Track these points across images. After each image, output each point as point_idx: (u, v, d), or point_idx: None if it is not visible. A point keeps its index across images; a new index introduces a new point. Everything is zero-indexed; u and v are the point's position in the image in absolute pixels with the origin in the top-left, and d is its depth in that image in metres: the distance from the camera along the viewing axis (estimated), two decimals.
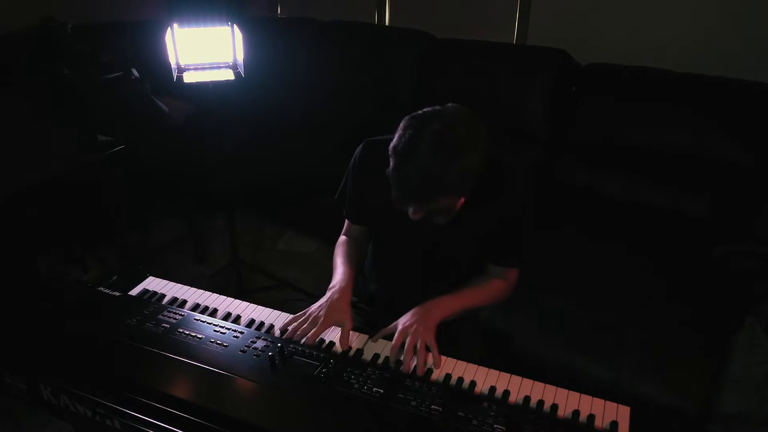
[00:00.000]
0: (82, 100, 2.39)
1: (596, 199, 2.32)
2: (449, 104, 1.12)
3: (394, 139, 1.10)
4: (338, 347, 1.22)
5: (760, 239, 1.96)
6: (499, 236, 1.32)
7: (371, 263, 1.53)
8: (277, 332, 1.26)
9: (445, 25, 3.00)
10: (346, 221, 1.53)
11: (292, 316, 1.30)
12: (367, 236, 1.52)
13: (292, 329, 1.25)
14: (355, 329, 1.28)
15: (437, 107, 1.12)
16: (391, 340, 1.21)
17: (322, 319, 1.25)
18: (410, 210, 1.16)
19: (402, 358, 1.16)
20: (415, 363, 1.15)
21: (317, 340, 1.24)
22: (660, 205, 2.20)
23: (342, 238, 1.53)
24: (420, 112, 1.11)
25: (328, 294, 1.32)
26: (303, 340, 1.22)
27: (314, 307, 1.30)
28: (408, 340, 1.17)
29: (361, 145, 1.38)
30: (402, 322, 1.23)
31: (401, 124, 1.11)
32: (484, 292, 1.37)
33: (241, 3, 3.64)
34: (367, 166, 1.35)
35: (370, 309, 1.51)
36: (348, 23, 3.25)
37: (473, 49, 2.72)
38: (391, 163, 1.10)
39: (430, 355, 1.18)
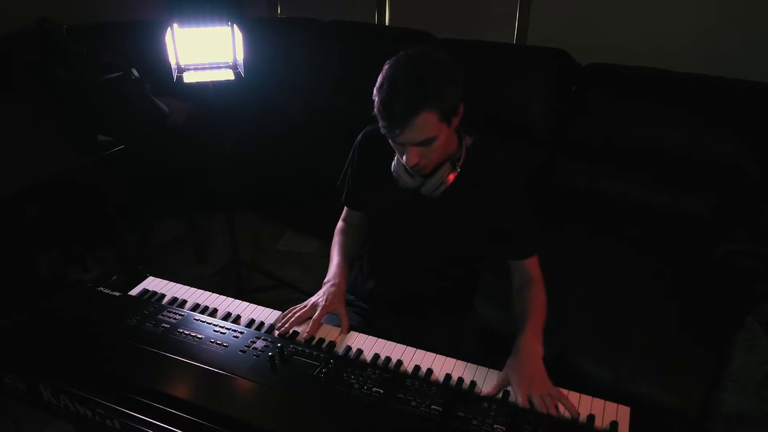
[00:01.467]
0: (80, 100, 2.38)
1: (596, 199, 2.32)
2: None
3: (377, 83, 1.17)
4: (341, 338, 1.25)
5: (761, 239, 1.96)
6: (506, 226, 1.33)
7: (369, 258, 1.54)
8: (276, 332, 1.26)
9: (445, 25, 3.00)
10: (345, 209, 1.56)
11: (272, 310, 1.34)
12: (365, 223, 1.53)
13: (291, 314, 1.28)
14: (354, 328, 1.30)
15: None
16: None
17: (322, 305, 1.30)
18: (403, 147, 1.18)
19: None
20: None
21: (317, 338, 1.24)
22: (660, 205, 2.20)
23: (340, 224, 1.56)
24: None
25: (324, 288, 1.37)
26: (304, 330, 1.25)
27: (312, 298, 1.35)
28: (536, 400, 1.08)
29: (361, 132, 1.44)
30: (515, 379, 1.13)
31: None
32: (540, 303, 1.34)
33: (241, 3, 3.62)
34: (367, 151, 1.42)
35: (368, 307, 1.52)
36: (348, 23, 3.24)
37: (473, 49, 2.71)
38: (376, 101, 1.16)
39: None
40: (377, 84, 1.17)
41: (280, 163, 3.01)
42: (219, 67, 2.09)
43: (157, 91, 2.75)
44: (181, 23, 1.97)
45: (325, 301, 1.32)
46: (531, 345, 1.20)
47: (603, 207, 2.30)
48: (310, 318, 1.29)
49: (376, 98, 1.16)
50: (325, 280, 1.40)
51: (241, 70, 2.11)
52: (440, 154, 1.22)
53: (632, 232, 2.18)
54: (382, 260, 1.51)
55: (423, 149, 1.17)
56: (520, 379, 1.12)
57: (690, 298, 1.83)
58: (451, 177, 1.26)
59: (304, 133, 3.14)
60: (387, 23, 3.48)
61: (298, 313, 1.29)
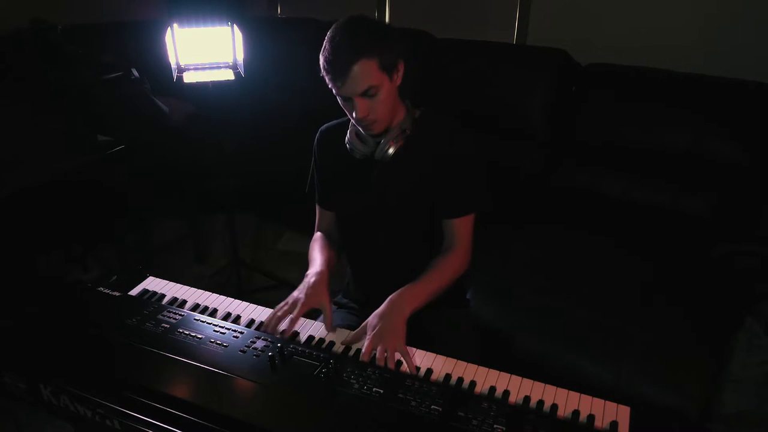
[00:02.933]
0: (77, 101, 2.38)
1: (596, 199, 2.32)
2: None
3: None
4: (332, 337, 1.24)
5: (760, 239, 1.96)
6: (446, 184, 1.35)
7: (347, 258, 1.56)
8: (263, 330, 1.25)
9: (445, 25, 3.00)
10: (318, 215, 1.58)
11: (272, 310, 1.32)
12: (337, 229, 1.55)
13: (272, 314, 1.27)
14: (351, 328, 1.29)
15: None
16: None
17: (302, 300, 1.27)
18: (351, 103, 1.26)
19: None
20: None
21: (317, 338, 1.24)
22: (660, 205, 2.20)
23: (316, 234, 1.56)
24: None
25: (305, 280, 1.35)
26: (283, 327, 1.24)
27: (293, 293, 1.32)
28: (378, 351, 1.15)
29: (317, 132, 1.51)
30: (370, 327, 1.22)
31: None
32: (443, 271, 1.37)
33: (241, 3, 3.63)
34: (324, 145, 1.49)
35: (360, 308, 1.52)
36: None
37: (473, 49, 2.71)
38: (321, 60, 1.24)
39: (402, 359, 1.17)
40: (322, 48, 1.25)
41: (280, 163, 3.00)
42: (219, 67, 2.09)
43: (157, 91, 2.75)
44: (181, 23, 1.97)
45: (305, 296, 1.28)
46: (399, 303, 1.26)
47: (603, 207, 2.30)
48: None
49: (320, 59, 1.24)
50: (307, 272, 1.38)
51: (241, 70, 2.11)
52: (386, 108, 1.29)
53: (632, 232, 2.18)
54: (357, 254, 1.53)
55: (369, 102, 1.25)
56: (373, 330, 1.20)
57: (690, 298, 1.83)
58: (401, 140, 1.33)
59: (304, 133, 3.12)
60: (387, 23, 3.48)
61: (278, 313, 1.26)
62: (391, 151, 1.33)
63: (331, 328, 1.27)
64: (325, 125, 1.52)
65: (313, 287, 1.30)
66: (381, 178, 1.38)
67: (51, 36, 2.46)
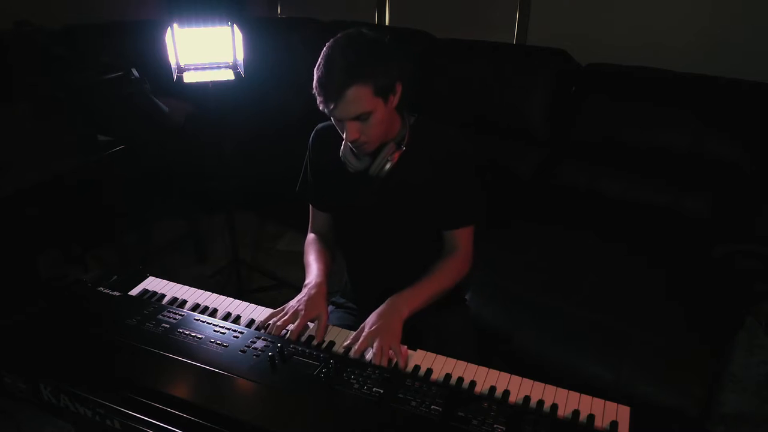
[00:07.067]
0: (68, 102, 2.37)
1: (596, 199, 2.32)
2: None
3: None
4: (332, 337, 1.23)
5: (760, 239, 1.96)
6: (444, 195, 1.35)
7: (345, 261, 1.55)
8: (259, 328, 1.25)
9: (445, 25, 3.00)
10: (311, 215, 1.57)
11: (272, 311, 1.32)
12: (331, 230, 1.55)
13: (272, 324, 1.26)
14: (348, 328, 1.29)
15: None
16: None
17: (302, 313, 1.27)
18: (342, 124, 1.23)
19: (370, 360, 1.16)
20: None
21: (307, 336, 1.25)
22: (660, 205, 2.20)
23: (310, 236, 1.56)
24: None
25: (305, 290, 1.34)
26: (287, 335, 1.24)
27: (292, 302, 1.31)
28: (374, 347, 1.16)
29: (313, 130, 1.49)
30: (368, 325, 1.22)
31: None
32: (444, 274, 1.38)
33: (241, 3, 3.64)
34: (319, 147, 1.47)
35: (358, 308, 1.52)
36: (348, 23, 3.25)
37: (473, 49, 2.72)
38: (314, 79, 1.20)
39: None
40: (316, 64, 1.21)
41: (280, 163, 3.00)
42: (219, 67, 2.09)
43: (157, 91, 2.75)
44: (181, 23, 1.97)
45: (305, 309, 1.27)
46: (398, 304, 1.27)
47: (603, 207, 2.30)
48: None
49: (314, 76, 1.21)
50: (306, 282, 1.37)
51: (241, 70, 2.11)
52: (380, 131, 1.26)
53: (632, 232, 2.18)
54: (354, 258, 1.53)
55: (361, 125, 1.22)
56: (370, 329, 1.20)
57: (690, 298, 1.83)
58: (396, 155, 1.31)
59: (304, 133, 3.13)
60: (387, 23, 3.48)
61: (278, 323, 1.25)
62: (386, 168, 1.31)
63: (322, 338, 1.25)
64: (321, 125, 1.48)
65: (313, 300, 1.30)
66: (377, 192, 1.37)
67: (36, 38, 2.45)
